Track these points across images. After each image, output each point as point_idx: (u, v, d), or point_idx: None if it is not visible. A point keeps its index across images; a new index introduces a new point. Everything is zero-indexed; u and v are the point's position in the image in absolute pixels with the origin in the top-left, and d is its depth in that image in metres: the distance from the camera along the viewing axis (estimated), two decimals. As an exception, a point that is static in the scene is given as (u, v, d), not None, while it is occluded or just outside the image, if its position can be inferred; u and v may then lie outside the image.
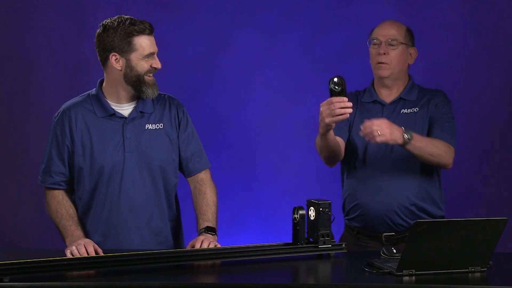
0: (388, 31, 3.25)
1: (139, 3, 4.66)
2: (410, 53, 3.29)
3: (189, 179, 3.20)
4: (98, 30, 3.09)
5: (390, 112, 3.26)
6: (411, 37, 3.31)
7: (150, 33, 3.04)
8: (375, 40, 3.26)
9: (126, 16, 3.07)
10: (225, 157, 4.58)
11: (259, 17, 4.67)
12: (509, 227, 2.68)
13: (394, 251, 2.84)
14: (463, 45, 4.53)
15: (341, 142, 3.26)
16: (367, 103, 3.32)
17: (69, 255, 2.83)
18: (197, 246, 2.93)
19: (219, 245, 2.96)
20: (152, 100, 3.12)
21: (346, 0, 4.63)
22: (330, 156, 3.23)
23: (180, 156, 3.16)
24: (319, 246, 2.88)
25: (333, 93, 2.92)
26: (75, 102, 3.12)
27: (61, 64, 4.67)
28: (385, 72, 3.25)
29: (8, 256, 2.82)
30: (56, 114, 3.12)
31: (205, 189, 3.16)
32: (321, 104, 2.95)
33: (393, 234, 3.15)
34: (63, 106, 3.13)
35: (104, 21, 3.08)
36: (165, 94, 3.20)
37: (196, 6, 4.63)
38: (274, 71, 4.69)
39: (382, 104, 3.29)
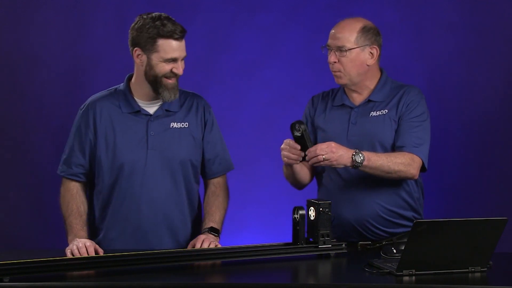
0: (336, 37, 3.13)
1: (139, 3, 4.66)
2: (370, 53, 3.14)
3: (207, 180, 3.20)
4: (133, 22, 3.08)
5: (359, 115, 3.17)
6: (368, 36, 3.13)
7: (179, 38, 3.01)
8: (327, 47, 3.17)
9: (163, 15, 3.05)
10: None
11: (259, 17, 4.67)
12: (509, 227, 2.68)
13: (394, 251, 2.84)
14: (463, 45, 4.52)
15: (310, 167, 3.24)
16: (335, 107, 3.23)
17: (69, 255, 2.83)
18: (198, 245, 2.93)
19: (219, 246, 2.96)
20: (179, 98, 3.11)
21: (346, 0, 4.62)
22: (296, 184, 3.26)
23: (203, 157, 3.16)
24: (319, 246, 2.89)
25: (295, 138, 2.96)
26: (102, 96, 3.13)
27: (61, 64, 4.67)
28: (341, 80, 3.16)
29: (8, 256, 2.82)
30: (82, 106, 3.13)
31: (219, 191, 3.17)
32: (284, 141, 3.03)
33: (369, 243, 3.11)
34: (90, 99, 3.14)
35: (141, 14, 3.08)
36: (193, 93, 3.20)
37: (196, 6, 4.63)
38: (274, 71, 4.68)
39: (350, 107, 3.19)
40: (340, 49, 3.12)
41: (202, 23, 4.68)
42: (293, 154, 3.01)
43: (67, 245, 2.92)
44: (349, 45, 3.12)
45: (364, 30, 3.14)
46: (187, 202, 3.13)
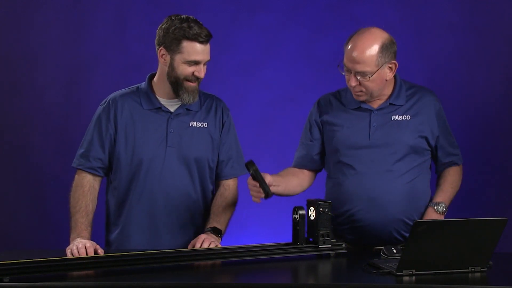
0: (356, 61, 3.01)
1: (139, 3, 4.66)
2: (389, 67, 3.06)
3: (218, 181, 3.21)
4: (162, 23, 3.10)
5: (380, 118, 3.13)
6: (388, 53, 3.04)
7: (204, 41, 3.04)
8: (345, 67, 3.06)
9: (191, 18, 3.08)
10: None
11: (259, 17, 4.67)
12: (509, 227, 2.68)
13: (394, 251, 2.84)
14: (463, 45, 4.52)
15: (308, 175, 3.27)
16: (352, 110, 3.18)
17: (69, 255, 2.83)
18: (197, 245, 2.93)
19: (219, 246, 2.96)
20: (200, 99, 3.13)
21: (346, 0, 4.63)
22: (291, 196, 3.26)
23: (218, 158, 3.18)
24: (319, 246, 2.89)
25: (252, 176, 2.94)
26: (124, 93, 3.14)
27: (61, 64, 4.67)
28: (362, 98, 3.11)
29: (8, 256, 2.82)
30: (103, 102, 3.14)
31: (228, 194, 3.19)
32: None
33: (382, 249, 3.10)
34: (111, 95, 3.15)
35: (170, 16, 3.09)
36: (213, 96, 3.23)
37: (196, 6, 4.63)
38: (274, 71, 4.68)
39: (369, 110, 3.14)
40: (362, 74, 3.03)
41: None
42: (255, 192, 2.96)
43: (67, 245, 2.92)
44: (370, 69, 3.02)
45: (383, 48, 3.03)
46: (202, 201, 3.15)
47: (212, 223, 3.08)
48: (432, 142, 3.18)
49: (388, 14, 4.57)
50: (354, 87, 3.06)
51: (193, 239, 3.05)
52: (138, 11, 4.66)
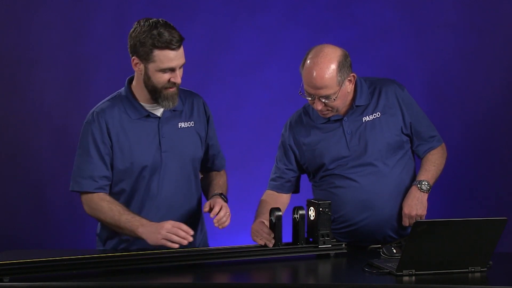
0: (317, 87, 3.01)
1: (139, 3, 4.66)
2: (348, 80, 3.05)
3: (208, 173, 3.23)
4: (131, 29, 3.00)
5: (352, 124, 3.13)
6: (345, 68, 3.02)
7: (176, 47, 2.92)
8: (307, 93, 3.05)
9: (160, 22, 2.93)
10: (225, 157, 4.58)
11: (259, 17, 4.67)
12: (509, 227, 2.68)
13: (394, 251, 2.84)
14: (463, 45, 4.52)
15: (286, 199, 3.27)
16: (322, 124, 3.17)
17: (168, 244, 2.81)
18: (216, 209, 2.92)
19: (228, 211, 2.95)
20: (180, 97, 3.07)
21: (346, 0, 4.63)
22: None
23: (208, 153, 3.18)
24: (319, 246, 2.89)
25: (270, 222, 2.92)
26: (108, 106, 3.04)
27: (61, 64, 4.67)
28: (329, 115, 3.12)
29: (8, 256, 2.82)
30: (88, 119, 3.03)
31: (223, 173, 3.23)
32: (257, 222, 2.98)
33: (379, 246, 3.06)
34: (96, 110, 3.04)
35: (139, 20, 2.96)
36: (190, 91, 3.18)
37: (196, 6, 4.63)
38: (274, 71, 4.68)
39: (339, 119, 3.14)
40: (326, 97, 3.03)
41: (202, 23, 4.68)
42: (265, 239, 2.89)
43: (67, 245, 2.92)
44: (333, 90, 3.02)
45: (340, 66, 3.01)
46: (196, 199, 3.14)
47: (218, 189, 3.10)
48: (408, 131, 3.17)
49: (388, 14, 4.57)
50: (320, 110, 3.07)
51: (194, 238, 3.05)
52: (138, 11, 4.65)
